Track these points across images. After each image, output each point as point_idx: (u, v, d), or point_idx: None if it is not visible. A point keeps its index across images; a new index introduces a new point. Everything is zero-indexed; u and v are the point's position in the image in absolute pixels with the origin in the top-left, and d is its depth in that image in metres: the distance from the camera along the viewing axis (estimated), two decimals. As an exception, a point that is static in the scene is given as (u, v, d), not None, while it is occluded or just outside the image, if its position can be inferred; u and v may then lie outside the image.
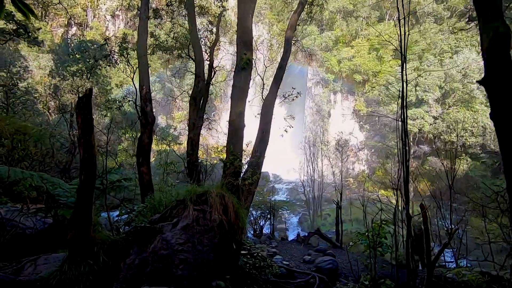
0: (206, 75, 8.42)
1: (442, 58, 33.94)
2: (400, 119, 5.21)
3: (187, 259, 3.44)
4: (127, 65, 8.50)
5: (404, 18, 5.12)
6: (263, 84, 8.24)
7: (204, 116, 7.15)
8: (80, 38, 25.82)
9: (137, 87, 7.35)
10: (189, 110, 6.65)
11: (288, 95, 8.35)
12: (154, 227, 3.62)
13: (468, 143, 26.73)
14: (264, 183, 44.21)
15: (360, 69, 45.50)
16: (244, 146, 6.47)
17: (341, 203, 13.76)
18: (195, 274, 3.39)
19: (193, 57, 8.16)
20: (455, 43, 38.01)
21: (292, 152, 53.75)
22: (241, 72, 6.34)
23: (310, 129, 49.68)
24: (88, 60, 19.91)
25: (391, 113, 35.52)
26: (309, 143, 35.40)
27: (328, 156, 48.33)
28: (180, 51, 8.79)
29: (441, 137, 28.99)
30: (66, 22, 55.57)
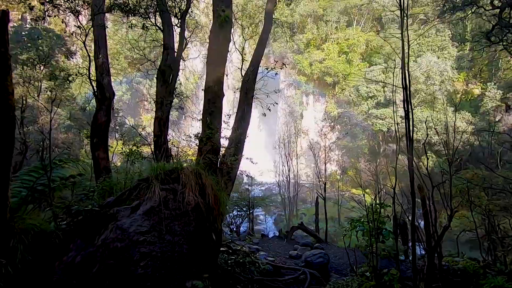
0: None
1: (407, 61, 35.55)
2: (402, 86, 4.72)
3: (151, 253, 2.55)
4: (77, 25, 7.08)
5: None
6: (242, 59, 7.44)
7: (175, 92, 6.11)
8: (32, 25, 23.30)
9: (91, 55, 6.07)
10: (156, 86, 5.67)
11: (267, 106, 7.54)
12: (105, 212, 2.67)
13: (433, 141, 28.02)
14: (238, 185, 43.32)
15: (331, 72, 46.48)
16: (224, 118, 5.62)
17: (317, 201, 13.36)
18: (163, 273, 2.50)
19: (161, 26, 7.08)
20: (418, 47, 40.20)
21: (267, 153, 53.50)
22: (219, 31, 5.48)
23: (283, 130, 49.78)
24: (41, 48, 17.86)
25: (361, 114, 36.52)
26: (283, 143, 35.17)
27: (302, 157, 48.76)
28: (144, 18, 7.44)
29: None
30: (20, 16, 50.81)
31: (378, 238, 4.54)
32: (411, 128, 5.41)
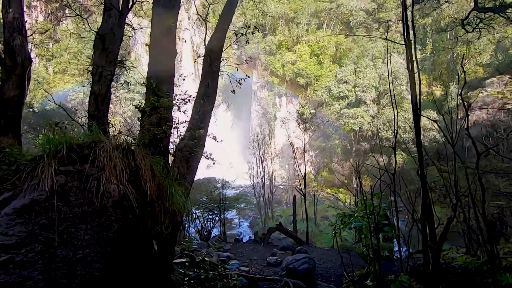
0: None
1: (375, 63, 36.54)
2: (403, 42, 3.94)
3: (24, 283, 1.40)
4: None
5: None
6: (206, 25, 6.36)
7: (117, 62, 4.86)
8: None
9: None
10: (93, 55, 4.41)
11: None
12: None
13: (402, 139, 28.71)
14: (211, 190, 41.71)
15: (303, 73, 46.67)
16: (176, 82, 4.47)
17: (294, 199, 12.54)
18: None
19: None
20: (385, 49, 41.57)
21: (240, 157, 52.43)
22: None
23: (256, 132, 49.13)
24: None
25: (333, 114, 36.78)
26: (257, 145, 34.35)
27: (276, 158, 48.24)
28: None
29: (379, 134, 30.75)
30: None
31: (378, 235, 3.67)
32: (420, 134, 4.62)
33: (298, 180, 46.91)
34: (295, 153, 50.89)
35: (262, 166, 28.08)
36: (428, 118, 6.79)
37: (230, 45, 5.38)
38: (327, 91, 38.39)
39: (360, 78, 33.00)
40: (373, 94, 32.94)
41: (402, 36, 4.78)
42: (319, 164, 46.28)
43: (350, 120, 31.81)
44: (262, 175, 28.02)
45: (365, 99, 32.50)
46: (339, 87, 33.57)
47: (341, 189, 40.17)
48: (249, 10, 57.17)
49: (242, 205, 30.53)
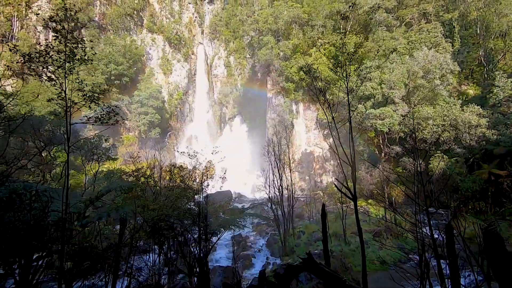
0: None
1: (402, 59, 33.05)
2: None
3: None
4: None
5: None
6: None
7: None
8: None
9: None
10: None
11: None
12: None
13: (442, 139, 24.74)
14: (227, 203, 38.76)
15: (320, 76, 43.72)
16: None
17: (324, 210, 9.34)
18: None
19: None
20: (410, 45, 38.01)
21: (256, 168, 49.41)
22: None
23: (273, 141, 46.29)
24: None
25: (358, 115, 33.26)
26: (273, 153, 31.27)
27: (295, 169, 44.70)
28: None
29: (413, 135, 26.81)
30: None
31: None
32: None
33: (320, 192, 43.14)
34: (313, 164, 47.23)
35: (279, 175, 24.81)
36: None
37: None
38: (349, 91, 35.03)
39: (386, 74, 29.54)
40: (402, 91, 29.29)
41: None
42: (342, 173, 42.37)
43: (378, 121, 28.18)
44: (279, 188, 24.73)
45: (394, 97, 28.87)
46: (364, 86, 30.17)
47: (369, 200, 35.96)
48: (261, 17, 55.73)
49: (259, 222, 27.20)
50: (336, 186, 9.34)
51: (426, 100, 30.45)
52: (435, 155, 25.62)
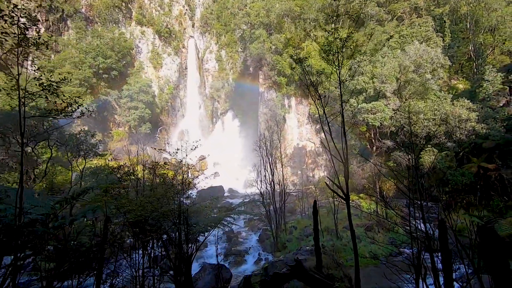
0: None
1: (394, 53, 32.97)
2: None
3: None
4: None
5: None
6: None
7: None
8: None
9: None
10: None
11: None
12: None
13: (433, 133, 24.86)
14: (219, 198, 38.45)
15: (313, 70, 43.45)
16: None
17: (315, 206, 9.05)
18: None
19: None
20: (401, 39, 37.99)
21: (248, 163, 49.15)
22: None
23: (265, 136, 46.04)
24: None
25: (350, 109, 33.18)
26: (265, 147, 31.01)
27: (287, 164, 44.58)
28: None
29: (404, 129, 26.92)
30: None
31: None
32: None
33: (312, 187, 43.19)
34: (305, 158, 47.22)
35: (271, 170, 24.57)
36: None
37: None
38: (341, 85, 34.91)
39: (377, 68, 29.44)
40: (394, 85, 29.26)
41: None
42: (334, 167, 42.47)
43: (369, 116, 28.14)
44: (271, 181, 24.50)
45: (385, 91, 28.83)
46: (356, 79, 30.02)
47: (361, 195, 36.16)
48: (253, 10, 54.91)
49: (250, 217, 26.99)
50: (327, 184, 9.04)
51: (417, 94, 30.55)
52: (426, 149, 25.77)
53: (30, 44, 6.46)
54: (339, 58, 8.84)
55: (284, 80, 46.39)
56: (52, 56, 52.92)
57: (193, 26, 77.36)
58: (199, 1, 77.88)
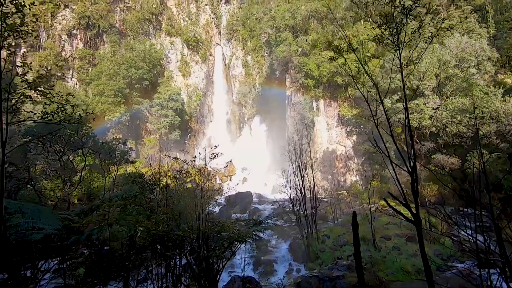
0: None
1: (431, 47, 30.57)
2: None
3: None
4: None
5: None
6: None
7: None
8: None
9: None
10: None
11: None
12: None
13: (481, 132, 22.37)
14: (247, 204, 37.96)
15: (341, 71, 41.86)
16: None
17: (355, 217, 8.01)
18: None
19: None
20: (439, 32, 35.26)
21: (277, 168, 48.24)
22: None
23: (293, 140, 44.93)
24: None
25: (382, 111, 31.21)
26: (294, 152, 29.99)
27: (317, 169, 43.02)
28: None
29: (447, 129, 24.57)
30: (13, 43, 49.40)
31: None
32: None
33: (344, 192, 41.22)
34: (338, 161, 45.28)
35: (301, 176, 23.55)
36: None
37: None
38: (373, 85, 33.06)
39: (414, 65, 27.43)
40: (433, 82, 26.98)
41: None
42: (368, 172, 40.21)
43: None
44: (301, 186, 23.45)
45: (423, 89, 26.67)
46: (392, 78, 28.12)
47: (397, 201, 33.72)
48: (277, 14, 54.50)
49: (280, 223, 26.13)
50: (387, 202, 7.33)
51: (459, 91, 27.93)
52: (473, 150, 23.28)
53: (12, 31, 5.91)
54: (400, 33, 7.03)
55: (311, 82, 45.18)
56: (90, 69, 56.40)
57: (219, 33, 78.78)
58: (225, 9, 79.27)
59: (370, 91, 28.37)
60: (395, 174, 7.03)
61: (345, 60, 7.50)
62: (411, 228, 21.42)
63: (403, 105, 8.42)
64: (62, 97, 7.81)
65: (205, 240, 7.86)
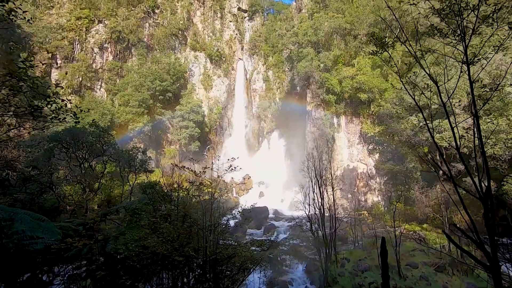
0: None
1: (461, 65, 29.19)
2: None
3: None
4: None
5: None
6: None
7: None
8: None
9: None
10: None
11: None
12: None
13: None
14: (263, 220, 36.98)
15: (364, 87, 40.93)
16: None
17: (384, 243, 7.20)
18: None
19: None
20: (469, 50, 33.76)
21: (293, 182, 47.06)
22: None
23: (312, 156, 43.86)
24: None
25: (408, 128, 29.83)
26: (314, 168, 29.04)
27: (337, 187, 41.47)
28: None
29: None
30: (49, 56, 52.96)
31: None
32: None
33: (365, 212, 39.28)
34: (359, 179, 43.57)
35: (321, 193, 22.57)
36: None
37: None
38: (399, 101, 31.89)
39: (441, 82, 26.18)
40: (464, 100, 25.55)
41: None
42: (391, 192, 38.20)
43: (435, 134, 24.73)
44: (321, 204, 22.41)
45: (454, 107, 25.25)
46: (419, 94, 26.97)
47: (424, 225, 31.58)
48: (300, 30, 54.87)
49: (296, 242, 25.01)
50: (450, 239, 5.75)
51: (493, 110, 26.20)
52: (510, 174, 21.44)
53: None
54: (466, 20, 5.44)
55: (333, 98, 44.44)
56: (117, 80, 58.93)
57: (242, 49, 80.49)
58: (248, 25, 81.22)
59: (393, 109, 27.03)
60: (459, 195, 5.86)
61: (390, 56, 6.51)
62: (441, 256, 19.69)
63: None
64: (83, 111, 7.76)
65: (213, 265, 7.33)
